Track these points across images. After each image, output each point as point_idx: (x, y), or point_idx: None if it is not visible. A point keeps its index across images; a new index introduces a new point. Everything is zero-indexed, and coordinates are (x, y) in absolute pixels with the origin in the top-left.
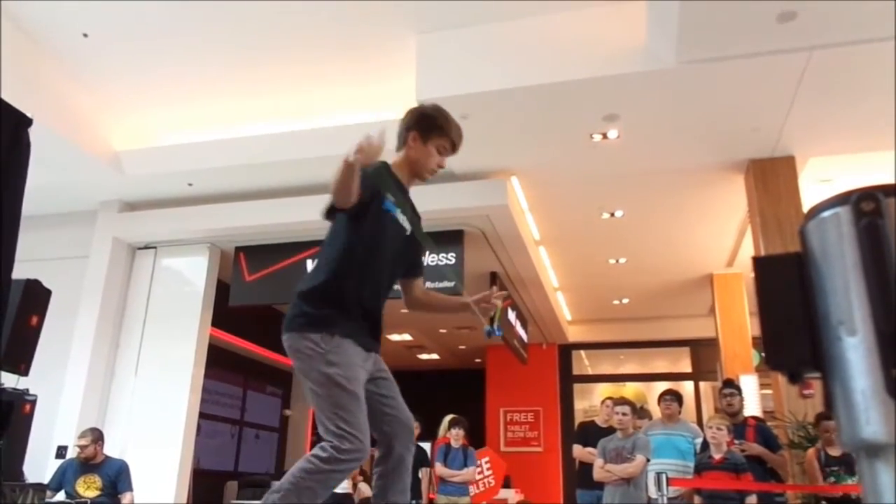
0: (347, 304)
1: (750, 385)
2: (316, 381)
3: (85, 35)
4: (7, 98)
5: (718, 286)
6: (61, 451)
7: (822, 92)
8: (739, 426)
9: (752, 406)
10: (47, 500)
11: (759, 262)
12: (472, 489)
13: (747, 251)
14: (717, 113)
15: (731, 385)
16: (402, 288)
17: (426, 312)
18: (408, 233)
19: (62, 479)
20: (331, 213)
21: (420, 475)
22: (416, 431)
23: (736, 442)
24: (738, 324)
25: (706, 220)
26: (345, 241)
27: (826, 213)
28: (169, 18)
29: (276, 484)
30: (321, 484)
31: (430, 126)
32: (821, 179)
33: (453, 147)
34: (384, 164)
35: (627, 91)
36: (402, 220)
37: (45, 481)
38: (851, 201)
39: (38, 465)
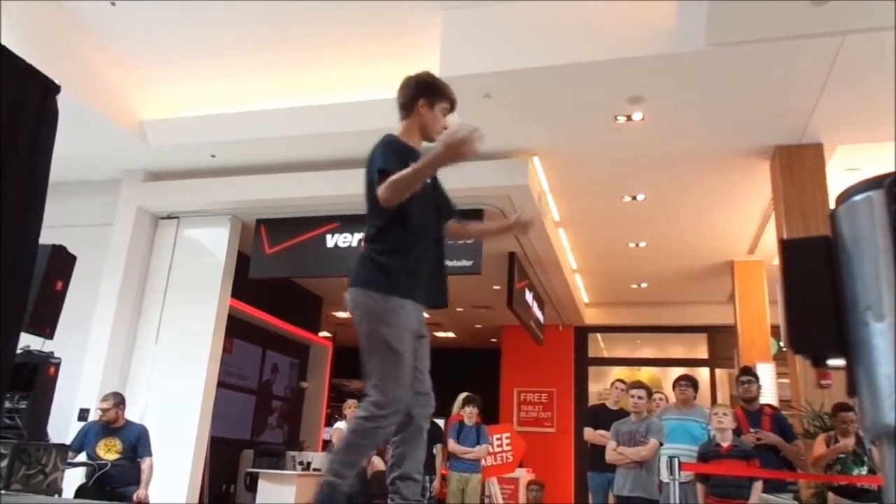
0: (401, 266)
1: (767, 373)
2: (368, 337)
3: (113, 3)
4: (35, 64)
5: (739, 273)
6: (83, 414)
7: (855, 78)
8: (755, 413)
9: (768, 395)
10: (69, 460)
11: (786, 245)
12: (490, 460)
13: (770, 239)
14: (744, 97)
15: (749, 372)
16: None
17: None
18: (430, 186)
19: (84, 441)
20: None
21: (434, 451)
22: None
23: (751, 430)
24: (757, 312)
25: (729, 206)
26: (387, 215)
27: (857, 197)
28: None
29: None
30: (368, 440)
31: (434, 92)
32: (848, 168)
33: (452, 107)
34: (393, 138)
35: (654, 73)
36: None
37: (68, 442)
38: (885, 185)
39: (61, 427)
